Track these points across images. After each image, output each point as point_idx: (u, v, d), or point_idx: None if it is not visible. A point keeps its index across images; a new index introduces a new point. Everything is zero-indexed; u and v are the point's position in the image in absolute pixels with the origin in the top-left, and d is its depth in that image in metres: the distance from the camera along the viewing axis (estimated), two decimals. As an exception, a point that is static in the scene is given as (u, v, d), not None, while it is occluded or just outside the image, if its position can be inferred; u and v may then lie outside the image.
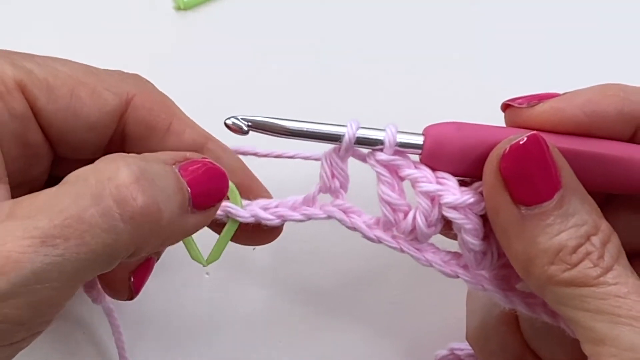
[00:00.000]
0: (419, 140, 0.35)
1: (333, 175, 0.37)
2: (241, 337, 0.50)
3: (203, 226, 0.37)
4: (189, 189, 0.35)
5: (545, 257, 0.32)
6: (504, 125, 0.37)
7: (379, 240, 0.37)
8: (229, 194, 0.39)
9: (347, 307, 0.51)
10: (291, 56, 0.56)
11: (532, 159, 0.33)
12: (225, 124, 0.36)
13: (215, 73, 0.55)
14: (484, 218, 0.35)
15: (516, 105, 0.36)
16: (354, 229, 0.38)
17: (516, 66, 0.56)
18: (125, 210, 0.31)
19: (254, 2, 0.58)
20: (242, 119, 0.36)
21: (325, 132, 0.36)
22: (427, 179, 0.35)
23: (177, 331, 0.50)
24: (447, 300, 0.48)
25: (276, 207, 0.39)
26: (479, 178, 0.35)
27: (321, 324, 0.50)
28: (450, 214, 0.35)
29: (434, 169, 0.35)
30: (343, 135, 0.36)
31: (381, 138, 0.36)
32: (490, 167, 0.33)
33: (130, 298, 0.42)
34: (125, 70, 0.40)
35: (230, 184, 0.39)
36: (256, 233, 0.40)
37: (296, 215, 0.39)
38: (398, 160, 0.36)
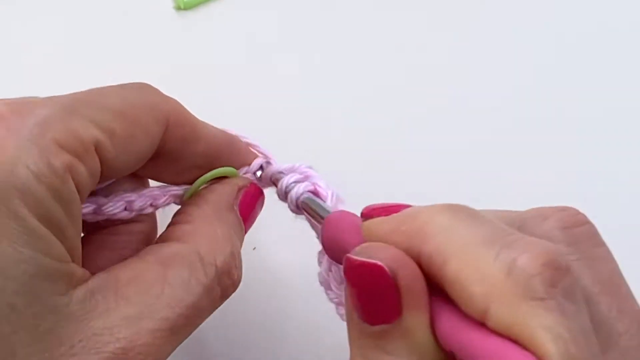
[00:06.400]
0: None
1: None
2: (240, 337, 0.50)
3: None
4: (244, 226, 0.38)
5: None
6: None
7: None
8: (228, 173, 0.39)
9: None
10: (292, 57, 0.56)
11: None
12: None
13: (215, 73, 0.55)
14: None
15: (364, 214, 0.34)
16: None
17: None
18: (227, 293, 0.35)
19: (254, 2, 0.58)
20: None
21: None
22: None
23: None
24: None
25: None
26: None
27: (322, 324, 0.50)
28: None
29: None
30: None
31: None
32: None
33: None
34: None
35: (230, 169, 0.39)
36: None
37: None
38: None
